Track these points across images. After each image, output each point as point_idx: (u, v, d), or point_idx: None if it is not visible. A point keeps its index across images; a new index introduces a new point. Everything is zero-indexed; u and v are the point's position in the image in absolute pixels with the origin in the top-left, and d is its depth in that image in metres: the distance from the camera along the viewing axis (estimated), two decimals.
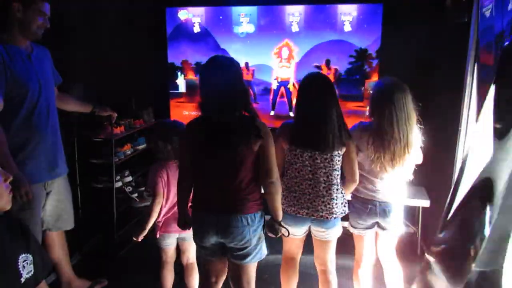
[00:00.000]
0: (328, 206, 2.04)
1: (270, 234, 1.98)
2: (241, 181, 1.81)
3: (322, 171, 2.02)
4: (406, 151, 2.03)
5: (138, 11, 3.59)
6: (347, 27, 3.22)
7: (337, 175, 2.06)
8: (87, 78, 3.33)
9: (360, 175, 2.13)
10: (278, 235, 1.96)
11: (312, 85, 2.05)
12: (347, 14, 3.21)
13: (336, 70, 3.31)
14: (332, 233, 2.11)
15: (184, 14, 3.50)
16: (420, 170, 3.24)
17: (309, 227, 2.14)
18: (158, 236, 2.31)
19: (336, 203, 2.05)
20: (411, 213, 3.30)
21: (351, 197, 2.24)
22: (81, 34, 3.26)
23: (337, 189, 2.06)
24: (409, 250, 3.28)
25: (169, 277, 2.40)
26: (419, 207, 3.18)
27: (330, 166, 2.02)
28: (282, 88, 3.46)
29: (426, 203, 3.09)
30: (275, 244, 2.23)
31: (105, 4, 3.44)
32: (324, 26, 3.26)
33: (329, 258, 2.18)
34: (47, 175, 2.24)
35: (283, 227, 1.93)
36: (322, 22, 3.26)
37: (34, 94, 2.11)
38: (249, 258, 1.89)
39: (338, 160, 2.03)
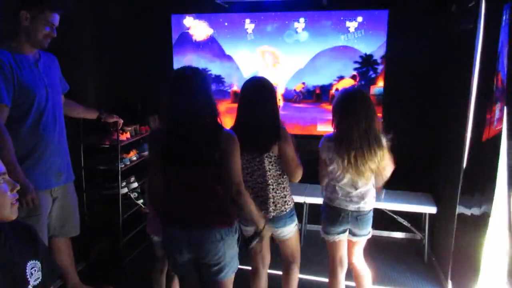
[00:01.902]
0: (266, 205, 2.10)
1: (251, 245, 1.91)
2: (211, 194, 1.75)
3: (257, 173, 2.10)
4: (369, 159, 2.04)
5: (144, 18, 3.62)
6: (353, 33, 3.22)
7: (272, 175, 2.10)
8: (93, 85, 3.35)
9: (334, 185, 2.19)
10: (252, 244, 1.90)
11: (246, 89, 2.11)
12: (353, 20, 3.21)
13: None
14: (285, 232, 2.17)
15: (189, 21, 3.52)
16: (427, 177, 3.24)
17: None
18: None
19: (273, 202, 2.11)
20: (418, 220, 3.28)
21: (324, 205, 2.28)
22: (86, 41, 3.28)
23: (272, 189, 2.11)
24: (416, 258, 3.26)
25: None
26: (425, 213, 3.16)
27: (262, 168, 2.08)
28: None
29: (433, 209, 3.07)
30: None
31: (111, 11, 3.47)
32: (330, 32, 3.26)
33: (292, 254, 2.27)
34: (53, 181, 2.25)
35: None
36: (327, 28, 3.27)
37: (41, 101, 2.12)
38: (224, 273, 1.81)
39: (270, 162, 2.08)
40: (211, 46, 3.50)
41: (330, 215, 2.23)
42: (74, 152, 2.58)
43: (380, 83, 3.25)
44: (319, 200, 2.72)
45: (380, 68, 3.24)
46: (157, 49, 3.68)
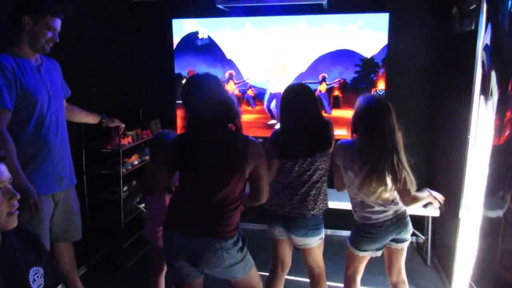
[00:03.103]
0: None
1: None
2: (223, 202, 1.72)
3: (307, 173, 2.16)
4: (394, 168, 1.95)
5: (145, 22, 3.63)
6: (353, 37, 3.23)
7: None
8: (95, 89, 3.35)
9: (361, 201, 2.08)
10: None
11: (288, 96, 2.16)
12: (354, 23, 3.22)
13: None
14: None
15: (190, 25, 3.52)
16: (429, 179, 3.23)
17: None
18: None
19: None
20: (421, 223, 3.27)
21: (359, 225, 2.13)
22: (88, 46, 3.29)
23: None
24: (419, 260, 3.25)
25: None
26: (428, 216, 3.15)
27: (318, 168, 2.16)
28: (275, 100, 3.47)
29: (435, 212, 3.06)
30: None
31: (112, 16, 3.49)
32: (331, 35, 3.27)
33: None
34: (55, 186, 2.25)
35: None
36: (328, 31, 3.27)
37: (43, 105, 2.13)
38: (240, 274, 1.81)
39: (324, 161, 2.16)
40: (212, 50, 3.51)
41: (370, 233, 2.08)
42: (76, 156, 2.59)
43: (381, 86, 3.25)
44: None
45: (381, 71, 3.24)
46: (158, 54, 3.68)
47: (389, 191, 2.01)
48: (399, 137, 1.97)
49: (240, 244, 1.79)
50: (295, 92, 2.17)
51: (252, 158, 1.73)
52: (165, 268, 2.38)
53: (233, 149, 1.69)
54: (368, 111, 1.99)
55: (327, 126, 2.16)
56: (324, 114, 3.34)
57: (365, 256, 2.15)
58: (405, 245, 2.16)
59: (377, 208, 2.05)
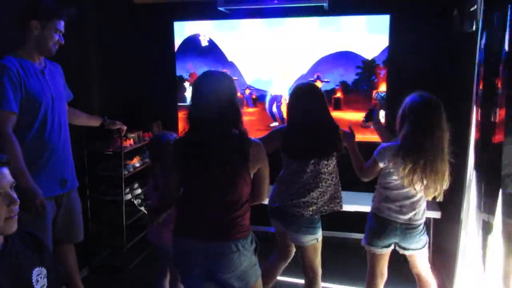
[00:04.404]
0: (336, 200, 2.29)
1: None
2: (232, 204, 1.70)
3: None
4: (442, 171, 2.01)
5: (146, 25, 3.64)
6: (355, 38, 3.24)
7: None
8: (97, 91, 3.37)
9: (385, 195, 2.14)
10: None
11: (297, 95, 2.21)
12: (355, 25, 3.23)
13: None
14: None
15: (191, 27, 3.54)
16: None
17: None
18: None
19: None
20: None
21: (371, 214, 2.22)
22: (90, 49, 3.31)
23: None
24: None
25: None
26: (430, 218, 3.14)
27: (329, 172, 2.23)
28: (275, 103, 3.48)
29: (437, 214, 3.06)
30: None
31: (114, 18, 3.50)
32: (332, 37, 3.28)
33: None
34: (58, 188, 2.26)
35: None
36: (329, 33, 3.28)
37: (47, 108, 2.14)
38: (243, 283, 1.75)
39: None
40: (213, 52, 3.52)
41: (377, 226, 2.15)
42: (78, 159, 2.60)
43: (382, 88, 3.26)
44: None
45: (382, 72, 3.25)
46: (160, 56, 3.70)
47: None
48: (446, 135, 2.03)
49: (254, 244, 1.77)
50: (301, 90, 2.20)
51: (256, 160, 1.71)
52: (169, 271, 2.39)
53: (237, 151, 1.67)
54: (416, 106, 2.04)
55: (331, 131, 2.17)
56: None
57: (377, 253, 2.18)
58: (416, 253, 2.19)
59: (397, 207, 2.11)
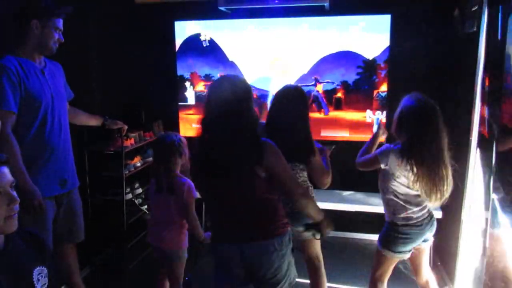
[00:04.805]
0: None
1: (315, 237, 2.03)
2: (258, 203, 1.70)
3: None
4: (445, 176, 2.01)
5: (147, 24, 3.64)
6: (355, 38, 3.23)
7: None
8: (97, 91, 3.37)
9: (403, 204, 2.09)
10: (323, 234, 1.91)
11: (279, 97, 2.18)
12: (355, 25, 3.22)
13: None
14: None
15: (192, 27, 3.54)
16: None
17: None
18: None
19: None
20: None
21: (398, 227, 2.12)
22: (90, 48, 3.31)
23: None
24: None
25: None
26: None
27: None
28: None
29: (438, 213, 3.05)
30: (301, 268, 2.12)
31: (115, 18, 3.50)
32: (332, 37, 3.27)
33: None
34: (58, 188, 2.25)
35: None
36: (330, 33, 3.28)
37: (47, 108, 2.14)
38: (280, 285, 1.75)
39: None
40: (214, 52, 3.52)
41: (409, 234, 2.09)
42: (79, 158, 2.60)
43: (383, 88, 3.26)
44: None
45: (383, 72, 3.25)
46: (161, 56, 3.70)
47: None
48: (445, 136, 2.01)
49: (291, 244, 1.78)
50: (285, 92, 2.17)
51: (269, 159, 1.66)
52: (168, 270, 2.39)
53: (250, 152, 1.64)
54: (418, 110, 2.01)
55: (299, 140, 2.10)
56: (323, 115, 3.35)
57: (398, 259, 2.16)
58: (429, 244, 2.22)
59: (418, 208, 2.09)
